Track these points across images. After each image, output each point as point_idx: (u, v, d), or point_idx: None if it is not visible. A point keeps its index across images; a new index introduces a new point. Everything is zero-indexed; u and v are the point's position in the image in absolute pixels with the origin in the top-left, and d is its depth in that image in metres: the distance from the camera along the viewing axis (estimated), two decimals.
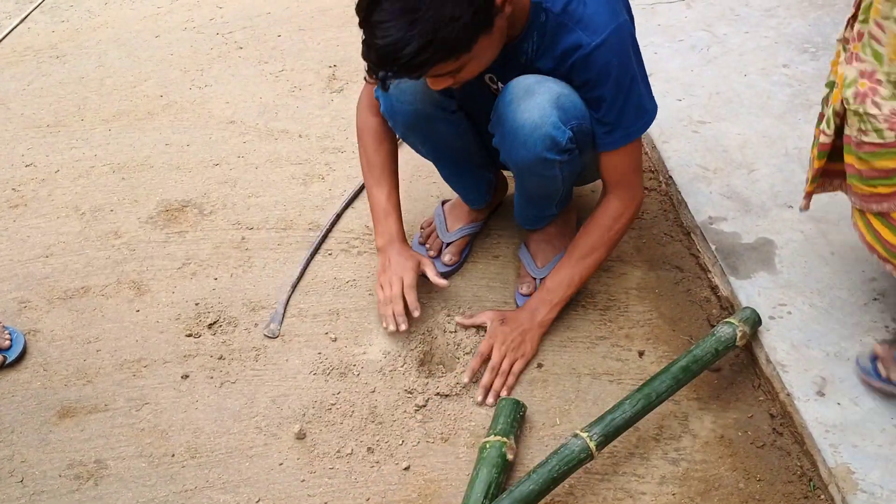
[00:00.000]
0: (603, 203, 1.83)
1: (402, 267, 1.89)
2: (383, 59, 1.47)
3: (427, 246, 2.09)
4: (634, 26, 1.68)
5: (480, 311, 1.93)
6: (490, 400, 1.78)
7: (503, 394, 1.78)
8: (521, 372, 1.83)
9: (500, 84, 1.76)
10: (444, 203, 2.16)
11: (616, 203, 1.81)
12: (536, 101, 1.63)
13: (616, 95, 1.64)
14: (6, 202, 2.37)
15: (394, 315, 1.86)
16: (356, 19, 1.49)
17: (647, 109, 1.72)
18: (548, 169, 1.72)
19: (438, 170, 2.04)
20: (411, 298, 1.86)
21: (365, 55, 1.50)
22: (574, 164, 1.76)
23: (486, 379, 1.79)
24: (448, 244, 2.07)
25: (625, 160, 1.76)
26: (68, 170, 2.48)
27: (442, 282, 1.88)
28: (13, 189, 2.42)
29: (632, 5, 1.72)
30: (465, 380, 1.81)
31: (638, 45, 1.68)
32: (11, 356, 1.90)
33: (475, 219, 2.11)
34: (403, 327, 1.85)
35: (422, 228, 2.14)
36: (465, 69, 1.56)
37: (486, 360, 1.82)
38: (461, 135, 1.90)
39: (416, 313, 1.85)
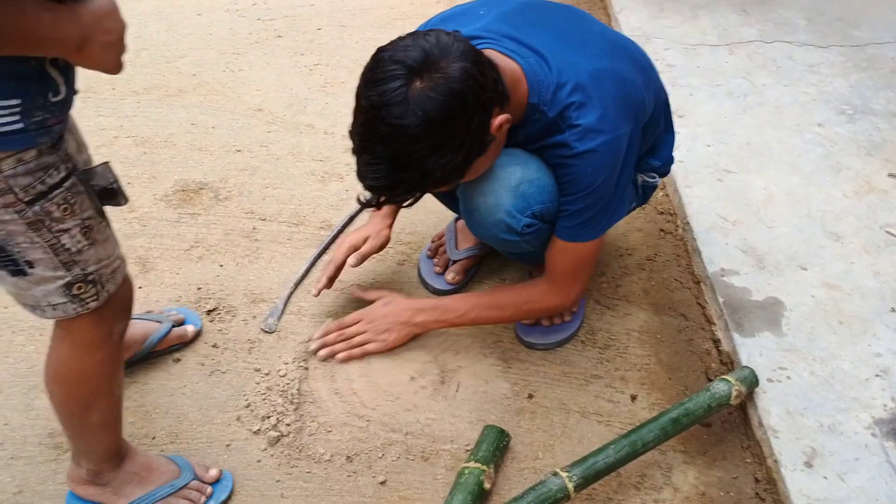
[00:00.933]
0: (535, 281, 1.85)
1: (361, 229, 1.98)
2: (376, 193, 1.52)
3: (434, 261, 2.08)
4: (641, 123, 1.65)
5: (380, 288, 1.98)
6: (322, 353, 1.84)
7: (339, 357, 1.84)
8: (369, 354, 1.86)
9: None
10: (457, 219, 2.15)
11: (544, 288, 1.81)
12: (493, 187, 1.65)
13: (585, 199, 1.63)
14: None
15: (332, 256, 1.95)
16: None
17: (603, 224, 1.69)
18: (511, 246, 1.75)
19: (451, 208, 2.05)
20: (340, 251, 1.94)
21: (359, 179, 1.51)
22: (542, 234, 1.73)
23: (332, 337, 1.85)
24: (454, 262, 2.05)
25: (567, 255, 1.73)
26: (92, 137, 2.46)
27: (351, 261, 1.92)
28: None
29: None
30: (313, 344, 1.87)
31: (632, 147, 1.64)
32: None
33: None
34: (313, 292, 1.94)
35: (432, 241, 2.13)
36: (461, 181, 1.60)
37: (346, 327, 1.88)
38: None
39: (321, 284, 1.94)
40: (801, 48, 2.87)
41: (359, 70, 1.50)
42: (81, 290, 1.24)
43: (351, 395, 1.81)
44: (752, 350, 1.84)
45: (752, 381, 1.74)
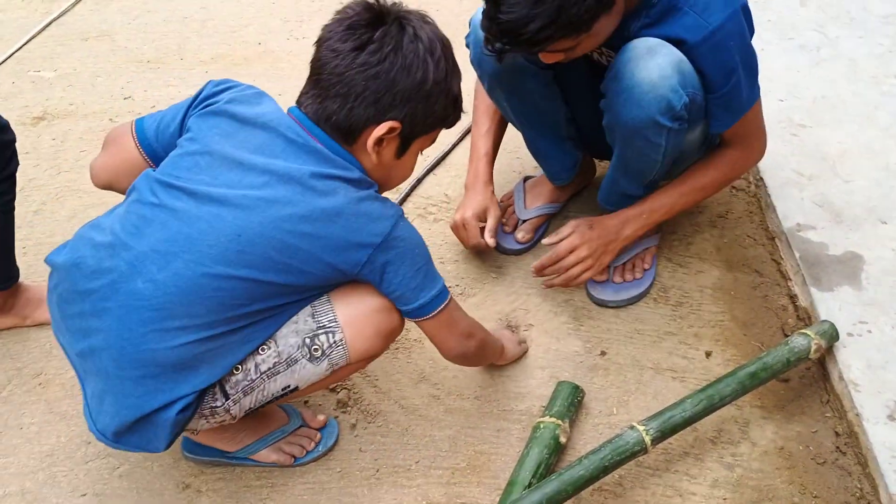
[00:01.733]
0: (722, 150, 1.80)
1: (472, 202, 1.94)
2: (504, 34, 1.46)
3: (503, 221, 2.08)
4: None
5: (566, 225, 1.86)
6: (540, 279, 1.87)
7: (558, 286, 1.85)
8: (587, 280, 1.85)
9: (600, 52, 1.74)
10: (525, 179, 2.15)
11: (736, 153, 1.79)
12: (658, 62, 1.58)
13: (727, 80, 1.60)
14: (102, 131, 2.45)
15: (468, 236, 1.93)
16: None
17: (756, 84, 1.69)
18: (655, 135, 1.66)
19: (524, 135, 2.02)
20: (471, 225, 1.92)
21: (485, 27, 1.49)
22: (680, 137, 1.69)
23: (552, 270, 1.82)
24: (524, 221, 2.05)
25: (741, 125, 1.72)
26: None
27: (489, 241, 1.91)
28: (110, 119, 2.49)
29: None
30: (532, 272, 1.85)
31: (752, 24, 1.64)
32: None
33: (556, 199, 2.09)
34: (490, 241, 1.92)
35: (500, 202, 2.13)
36: (580, 46, 1.54)
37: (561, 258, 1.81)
38: (549, 97, 1.87)
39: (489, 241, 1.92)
40: None
41: None
42: None
43: (422, 352, 1.83)
44: (830, 305, 1.80)
45: (831, 335, 1.70)
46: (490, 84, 1.85)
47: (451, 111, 1.42)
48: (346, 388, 1.75)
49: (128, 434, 1.35)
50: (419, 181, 2.25)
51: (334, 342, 1.40)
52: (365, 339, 1.43)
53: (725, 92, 1.63)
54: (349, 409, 1.73)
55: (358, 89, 1.31)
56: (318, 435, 1.65)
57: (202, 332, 1.30)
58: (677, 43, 1.58)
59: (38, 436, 1.68)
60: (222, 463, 1.62)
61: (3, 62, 2.66)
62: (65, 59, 2.70)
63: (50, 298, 1.39)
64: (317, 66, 1.35)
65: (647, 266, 1.94)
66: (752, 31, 1.66)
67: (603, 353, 1.83)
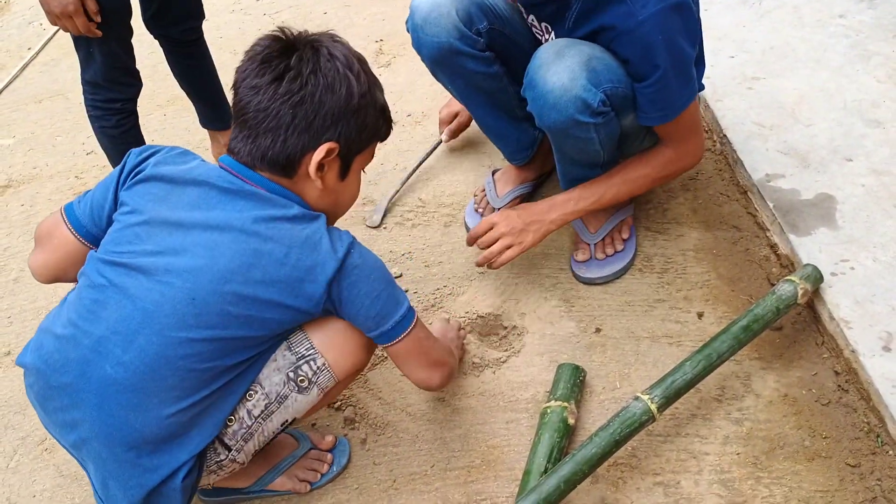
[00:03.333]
0: (659, 148, 1.82)
1: (445, 110, 2.27)
2: None
3: (480, 213, 2.10)
4: None
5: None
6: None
7: (478, 268, 1.90)
8: (511, 259, 1.82)
9: (542, 29, 1.77)
10: (494, 172, 2.17)
11: (670, 152, 1.81)
12: (566, 64, 1.62)
13: (651, 72, 1.62)
14: (70, 189, 2.44)
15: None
16: None
17: (690, 88, 1.70)
18: (583, 131, 1.71)
19: (474, 116, 2.04)
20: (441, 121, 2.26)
21: None
22: (611, 126, 1.73)
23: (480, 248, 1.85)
24: (497, 209, 2.07)
25: (674, 126, 1.74)
26: None
27: (443, 137, 2.18)
28: (76, 176, 2.49)
29: None
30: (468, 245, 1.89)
31: (694, 25, 1.66)
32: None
33: (524, 179, 2.11)
34: (444, 137, 2.26)
35: (475, 196, 2.15)
36: None
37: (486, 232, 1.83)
38: (493, 77, 1.89)
39: None
40: None
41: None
42: None
43: None
44: (810, 248, 1.83)
45: (816, 278, 1.73)
46: (432, 67, 1.89)
47: (381, 123, 1.43)
48: (351, 405, 1.76)
49: None
50: (396, 193, 2.25)
51: (318, 368, 1.40)
52: (347, 356, 1.43)
53: (650, 85, 1.64)
54: (357, 424, 1.73)
55: (287, 119, 1.30)
56: (330, 456, 1.66)
57: (183, 402, 1.30)
58: (609, 29, 1.61)
59: (52, 501, 1.68)
60: (241, 499, 1.62)
61: None
62: (21, 125, 2.70)
63: (29, 396, 1.39)
64: (239, 107, 1.34)
65: (625, 236, 1.96)
66: (693, 32, 1.66)
67: (598, 331, 1.85)
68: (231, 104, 1.37)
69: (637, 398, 1.56)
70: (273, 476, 1.61)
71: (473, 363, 1.82)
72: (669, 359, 1.75)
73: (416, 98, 2.54)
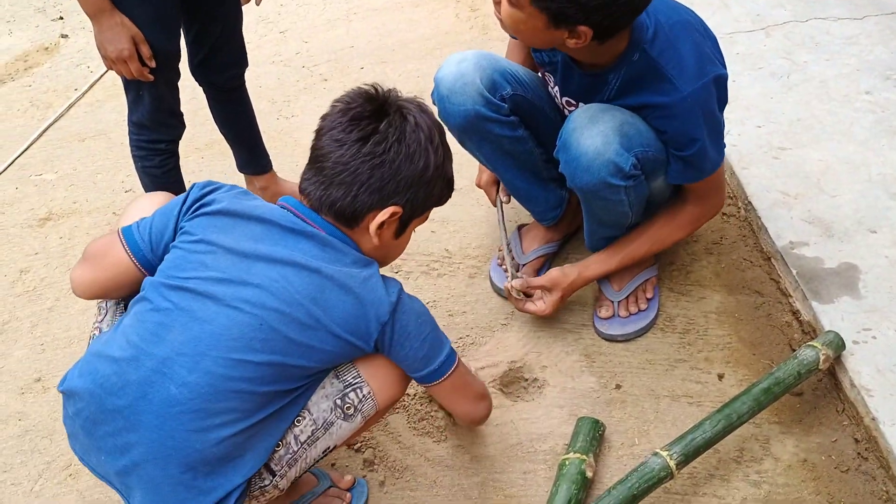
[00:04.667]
0: (683, 205, 1.88)
1: (482, 173, 2.23)
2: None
3: (504, 268, 2.13)
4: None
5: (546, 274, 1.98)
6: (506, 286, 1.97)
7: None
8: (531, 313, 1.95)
9: (576, 105, 1.82)
10: (520, 227, 2.21)
11: (697, 210, 1.87)
12: (600, 128, 1.69)
13: (691, 145, 1.69)
14: (107, 224, 2.51)
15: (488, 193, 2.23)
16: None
17: (721, 149, 1.77)
18: (613, 193, 1.76)
19: (502, 179, 2.08)
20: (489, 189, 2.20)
21: None
22: (640, 189, 1.79)
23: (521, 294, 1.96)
24: (523, 265, 2.10)
25: (703, 183, 1.80)
26: None
27: (503, 197, 2.14)
28: (113, 213, 2.56)
29: None
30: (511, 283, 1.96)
31: (726, 94, 1.74)
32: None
33: (550, 239, 2.15)
34: (503, 197, 2.16)
35: (499, 251, 2.18)
36: (566, 42, 1.59)
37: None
38: (519, 140, 1.94)
39: None
40: (836, 22, 2.88)
41: None
42: None
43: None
44: (833, 316, 1.85)
45: (838, 345, 1.75)
46: (460, 136, 1.94)
47: (446, 192, 1.50)
48: (370, 448, 1.78)
49: None
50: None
51: (363, 396, 1.44)
52: (390, 386, 1.48)
53: (689, 154, 1.71)
54: (376, 466, 1.75)
55: (363, 178, 1.37)
56: (349, 495, 1.67)
57: (242, 423, 1.33)
58: (652, 107, 1.68)
59: None
60: None
61: (6, 169, 2.73)
62: (64, 161, 2.78)
63: (72, 425, 1.40)
64: (319, 154, 1.41)
65: (649, 296, 1.99)
66: (725, 101, 1.75)
67: (618, 387, 1.86)
68: (311, 147, 1.43)
69: (656, 454, 1.57)
70: None
71: (493, 413, 1.83)
72: (689, 418, 1.76)
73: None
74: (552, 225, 2.15)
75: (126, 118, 2.07)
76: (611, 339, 1.96)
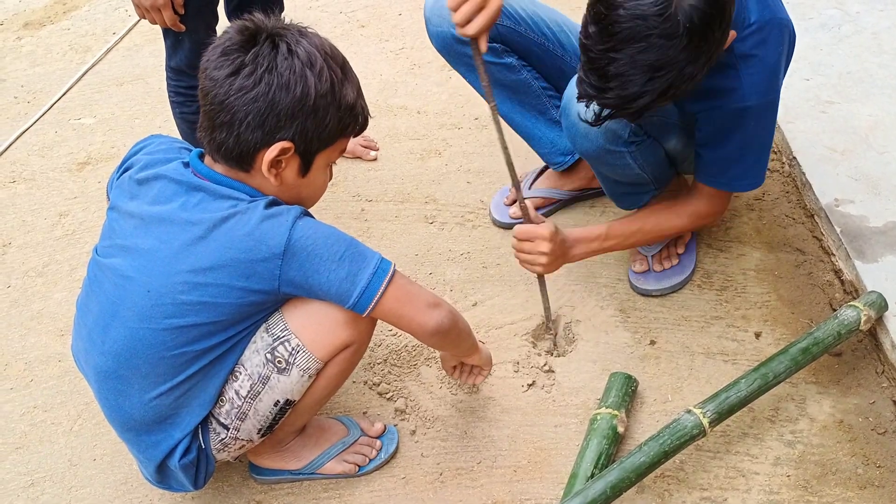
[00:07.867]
0: (690, 200, 1.80)
1: None
2: (610, 104, 1.42)
3: (507, 204, 2.14)
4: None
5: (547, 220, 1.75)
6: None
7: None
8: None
9: None
10: (546, 166, 2.18)
11: (702, 208, 1.78)
12: None
13: (737, 150, 1.65)
14: None
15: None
16: None
17: (757, 175, 1.72)
18: (617, 159, 1.72)
19: (502, 116, 1.92)
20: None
21: (584, 90, 1.43)
22: (648, 150, 1.74)
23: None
24: (524, 199, 2.03)
25: (719, 197, 1.77)
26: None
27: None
28: None
29: None
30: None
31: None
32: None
33: (559, 185, 2.13)
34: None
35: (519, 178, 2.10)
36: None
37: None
38: (509, 69, 1.91)
39: None
40: None
41: None
42: None
43: None
44: (876, 276, 1.80)
45: (881, 306, 1.71)
46: (447, 61, 1.95)
47: (348, 120, 1.38)
48: (403, 397, 1.79)
49: (161, 480, 1.50)
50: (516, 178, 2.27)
51: (293, 349, 1.41)
52: (325, 335, 1.41)
53: (719, 156, 1.66)
54: (407, 416, 1.76)
55: (240, 115, 1.29)
56: (379, 443, 1.68)
57: (161, 386, 1.38)
58: (723, 95, 1.58)
59: (111, 466, 1.74)
60: (292, 480, 1.66)
61: (46, 112, 2.75)
62: (103, 105, 2.79)
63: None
64: (201, 96, 1.35)
65: (680, 251, 1.95)
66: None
67: (652, 343, 1.84)
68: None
69: (689, 411, 1.55)
70: (323, 460, 1.64)
71: (525, 366, 1.83)
72: (724, 376, 1.74)
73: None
74: (563, 172, 2.11)
75: (164, 63, 2.06)
76: (646, 293, 1.94)
